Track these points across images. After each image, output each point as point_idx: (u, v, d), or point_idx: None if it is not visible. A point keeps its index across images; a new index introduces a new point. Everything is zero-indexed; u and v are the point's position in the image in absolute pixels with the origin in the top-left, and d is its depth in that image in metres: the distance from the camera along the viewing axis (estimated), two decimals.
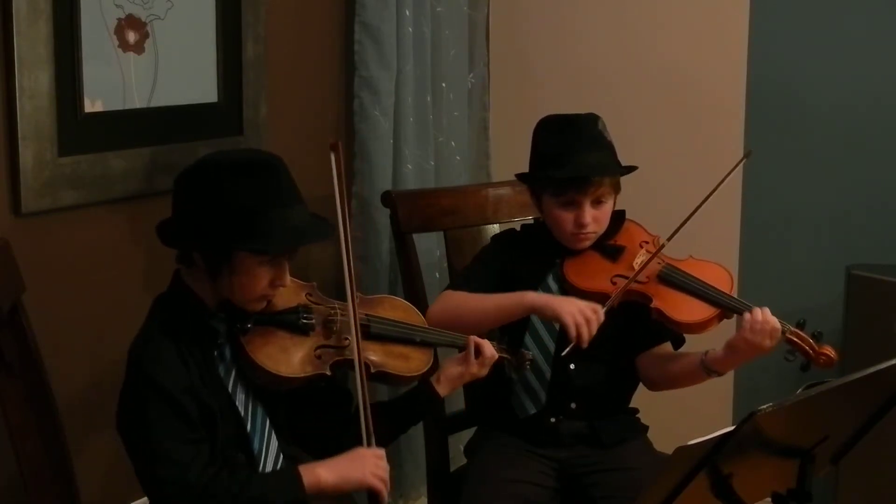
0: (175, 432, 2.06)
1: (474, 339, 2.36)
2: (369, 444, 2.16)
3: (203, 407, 2.09)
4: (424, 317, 2.46)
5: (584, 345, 2.42)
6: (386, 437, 2.44)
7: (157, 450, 2.05)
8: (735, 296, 2.53)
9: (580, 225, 2.53)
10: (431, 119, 3.22)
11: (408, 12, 3.08)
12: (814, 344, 2.44)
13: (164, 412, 2.05)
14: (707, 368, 2.51)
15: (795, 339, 2.44)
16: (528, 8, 3.50)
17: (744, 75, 3.35)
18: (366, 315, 2.28)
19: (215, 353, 2.16)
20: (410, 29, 3.10)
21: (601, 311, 2.44)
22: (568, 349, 2.44)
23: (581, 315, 2.41)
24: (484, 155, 3.51)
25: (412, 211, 2.89)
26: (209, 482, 2.06)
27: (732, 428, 1.68)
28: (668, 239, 2.54)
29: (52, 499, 2.19)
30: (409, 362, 2.30)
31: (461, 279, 2.66)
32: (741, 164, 2.60)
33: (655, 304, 2.50)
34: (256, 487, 2.08)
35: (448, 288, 2.65)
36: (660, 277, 2.53)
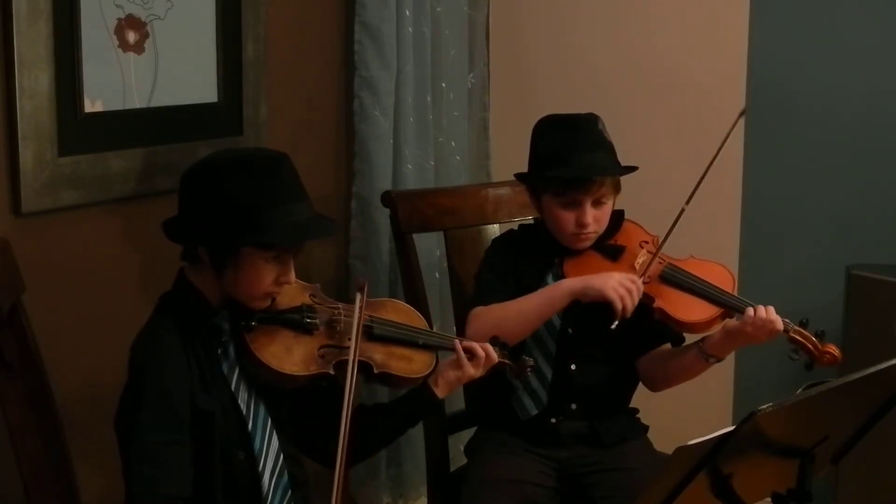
0: (162, 432, 2.06)
1: (465, 343, 2.35)
2: (345, 451, 2.03)
3: (200, 411, 2.10)
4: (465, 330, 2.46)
5: (629, 315, 2.43)
6: (384, 439, 2.44)
7: (139, 447, 2.05)
8: (737, 295, 2.52)
9: (581, 225, 2.53)
10: (431, 119, 3.22)
11: (408, 12, 3.08)
12: (817, 343, 2.45)
13: (158, 411, 2.06)
14: (705, 354, 2.51)
15: (799, 338, 2.45)
16: (528, 8, 3.50)
17: (744, 76, 3.35)
18: (369, 317, 2.28)
19: (219, 350, 2.16)
20: (410, 29, 3.10)
21: (639, 280, 2.46)
22: (615, 323, 2.43)
23: (623, 287, 2.43)
24: (484, 155, 3.51)
25: (412, 211, 2.89)
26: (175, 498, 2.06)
27: (732, 428, 1.68)
28: (677, 221, 2.52)
29: (52, 499, 2.19)
30: (411, 364, 2.30)
31: (483, 293, 2.62)
32: (739, 122, 2.59)
33: (658, 304, 2.50)
34: None
35: (474, 306, 2.61)
36: (662, 277, 2.53)
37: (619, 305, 2.42)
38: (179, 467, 2.07)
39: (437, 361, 2.36)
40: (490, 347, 2.35)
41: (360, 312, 2.11)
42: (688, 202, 2.50)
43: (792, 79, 3.37)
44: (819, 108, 3.37)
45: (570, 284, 2.49)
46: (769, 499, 1.91)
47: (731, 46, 3.35)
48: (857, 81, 3.32)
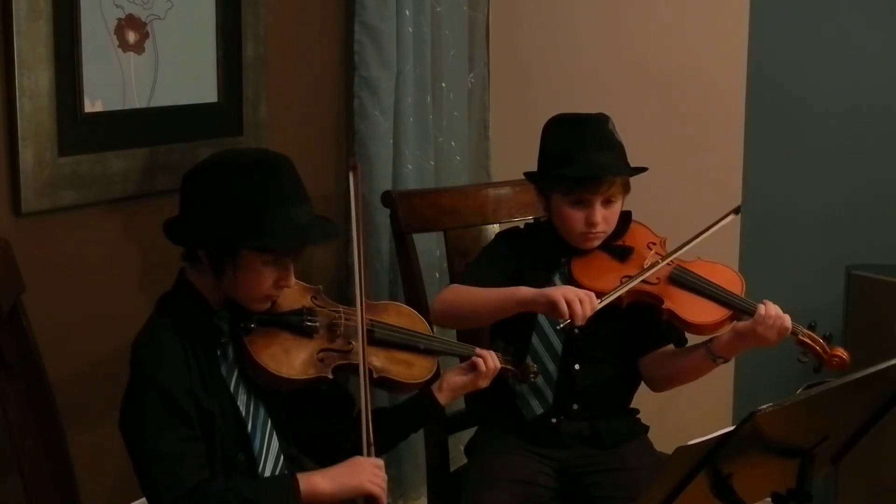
0: (172, 431, 2.06)
1: (483, 352, 2.34)
2: (369, 454, 2.15)
3: (201, 410, 2.09)
4: (429, 309, 2.43)
5: (578, 321, 2.37)
6: (385, 444, 2.42)
7: (152, 447, 2.05)
8: (745, 297, 2.52)
9: (590, 224, 2.53)
10: (431, 119, 3.22)
11: (408, 12, 3.08)
12: (825, 346, 2.44)
13: (163, 411, 2.06)
14: (713, 355, 2.50)
15: (808, 341, 2.45)
16: (528, 8, 3.50)
17: (743, 76, 3.35)
18: (370, 321, 2.26)
19: (218, 352, 2.16)
20: (410, 29, 3.10)
21: (595, 298, 2.40)
22: (563, 324, 2.38)
23: (574, 293, 2.38)
24: (484, 155, 3.51)
25: (412, 211, 2.89)
26: (204, 483, 2.06)
27: (732, 428, 1.68)
28: (665, 259, 2.53)
29: (52, 499, 2.19)
30: (412, 369, 2.29)
31: (468, 273, 2.63)
32: (730, 217, 2.60)
33: (667, 305, 2.49)
34: (251, 492, 2.08)
35: (454, 281, 2.64)
36: (671, 279, 2.53)
37: (563, 308, 2.35)
38: (196, 456, 2.08)
39: (438, 367, 2.35)
40: (492, 354, 2.34)
41: (357, 193, 2.06)
42: (682, 247, 2.51)
43: (792, 79, 3.36)
44: (819, 108, 3.36)
45: (524, 292, 2.45)
46: (769, 499, 1.91)
47: (730, 47, 3.35)
48: (857, 82, 3.32)
